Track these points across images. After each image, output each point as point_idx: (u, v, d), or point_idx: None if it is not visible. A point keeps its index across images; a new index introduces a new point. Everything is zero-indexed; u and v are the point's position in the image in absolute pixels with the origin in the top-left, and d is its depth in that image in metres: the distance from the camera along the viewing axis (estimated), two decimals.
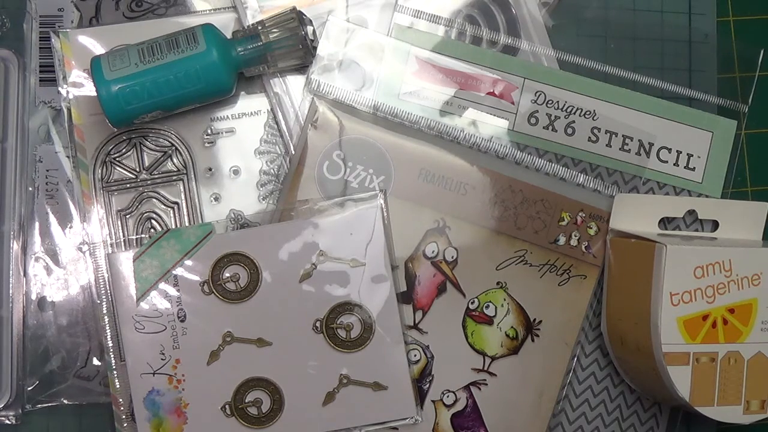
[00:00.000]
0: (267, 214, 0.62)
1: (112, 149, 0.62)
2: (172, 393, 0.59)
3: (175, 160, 0.62)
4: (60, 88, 0.62)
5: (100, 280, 0.60)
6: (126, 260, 0.59)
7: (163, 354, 0.59)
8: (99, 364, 0.62)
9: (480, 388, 0.62)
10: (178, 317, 0.59)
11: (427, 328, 0.62)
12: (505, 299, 0.62)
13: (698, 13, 0.68)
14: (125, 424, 0.60)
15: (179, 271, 0.60)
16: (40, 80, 0.63)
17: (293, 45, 0.60)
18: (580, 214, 0.63)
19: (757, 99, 0.66)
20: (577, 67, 0.64)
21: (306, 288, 0.60)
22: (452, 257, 0.62)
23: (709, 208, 0.63)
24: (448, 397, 0.62)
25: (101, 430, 0.62)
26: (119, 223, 0.62)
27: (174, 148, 0.62)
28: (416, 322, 0.62)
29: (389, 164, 0.62)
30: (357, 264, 0.60)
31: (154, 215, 0.62)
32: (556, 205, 0.63)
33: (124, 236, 0.61)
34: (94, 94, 0.58)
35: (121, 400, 0.60)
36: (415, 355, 0.62)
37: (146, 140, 0.62)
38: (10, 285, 0.62)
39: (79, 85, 0.62)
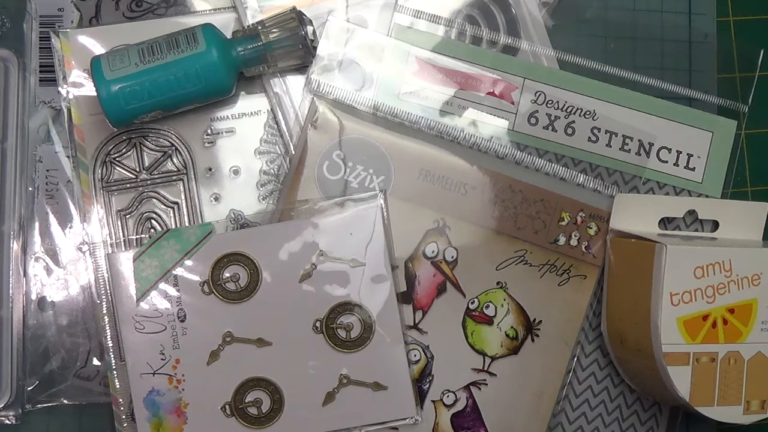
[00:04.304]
0: (267, 214, 0.62)
1: (112, 149, 0.62)
2: (172, 393, 0.59)
3: (175, 160, 0.62)
4: (60, 88, 0.62)
5: (100, 280, 0.60)
6: (126, 260, 0.59)
7: (163, 354, 0.59)
8: (99, 364, 0.62)
9: (480, 388, 0.62)
10: (178, 317, 0.59)
11: (427, 328, 0.62)
12: (505, 299, 0.62)
13: (698, 13, 0.68)
14: (125, 424, 0.60)
15: (179, 271, 0.60)
16: (40, 80, 0.63)
17: (293, 45, 0.60)
18: (580, 214, 0.63)
19: (757, 99, 0.66)
20: (577, 67, 0.64)
21: (306, 288, 0.60)
22: (452, 257, 0.62)
23: (709, 208, 0.63)
24: (448, 397, 0.62)
25: (101, 430, 0.62)
26: (119, 223, 0.62)
27: (174, 148, 0.62)
28: (416, 322, 0.62)
29: (389, 164, 0.62)
30: (357, 264, 0.60)
31: (154, 215, 0.62)
32: (556, 205, 0.63)
33: (124, 236, 0.61)
34: (94, 94, 0.58)
35: (121, 400, 0.60)
36: (415, 355, 0.62)
37: (146, 140, 0.62)
38: (10, 285, 0.62)
39: (79, 85, 0.62)
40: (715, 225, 0.64)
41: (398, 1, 0.63)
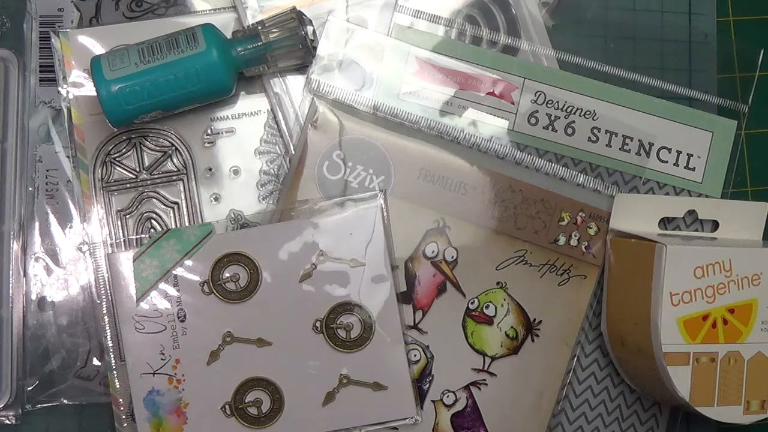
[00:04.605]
0: (267, 214, 0.62)
1: (112, 149, 0.62)
2: (172, 393, 0.59)
3: (175, 160, 0.62)
4: (60, 88, 0.62)
5: (100, 280, 0.60)
6: (126, 260, 0.59)
7: (163, 354, 0.59)
8: (99, 364, 0.62)
9: (480, 388, 0.62)
10: (178, 317, 0.59)
11: (427, 328, 0.62)
12: (505, 299, 0.62)
13: (698, 13, 0.68)
14: (125, 424, 0.60)
15: (179, 271, 0.60)
16: (40, 80, 0.63)
17: (293, 45, 0.60)
18: (580, 214, 0.63)
19: (757, 99, 0.66)
20: (577, 67, 0.64)
21: (306, 288, 0.60)
22: (452, 257, 0.62)
23: (709, 208, 0.63)
24: (448, 397, 0.62)
25: (101, 430, 0.62)
26: (119, 223, 0.62)
27: (174, 148, 0.62)
28: (416, 322, 0.62)
29: (389, 164, 0.62)
30: (357, 264, 0.60)
31: (154, 215, 0.62)
32: (556, 205, 0.63)
33: (124, 236, 0.61)
34: (94, 94, 0.58)
35: (121, 400, 0.60)
36: (415, 355, 0.62)
37: (146, 140, 0.62)
38: (10, 285, 0.62)
39: (79, 85, 0.62)
40: (715, 225, 0.64)
41: (398, 1, 0.63)
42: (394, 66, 0.62)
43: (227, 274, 0.60)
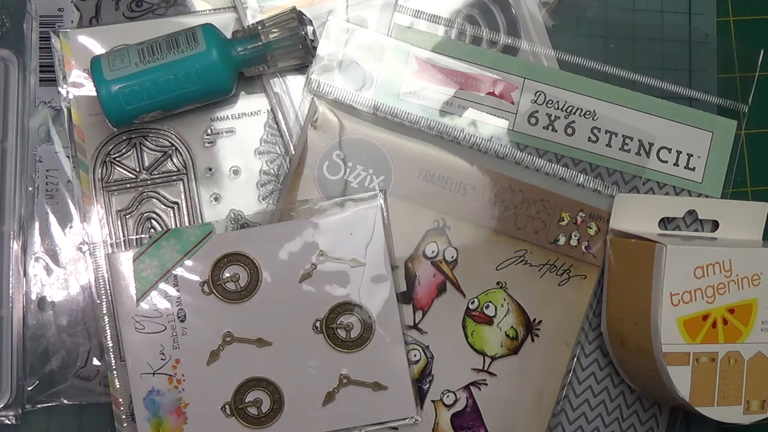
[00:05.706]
0: (267, 214, 0.62)
1: (112, 149, 0.62)
2: (172, 393, 0.59)
3: (175, 160, 0.62)
4: (60, 88, 0.62)
5: (100, 280, 0.60)
6: (126, 260, 0.59)
7: (163, 354, 0.59)
8: (99, 364, 0.62)
9: (480, 388, 0.62)
10: (178, 317, 0.59)
11: (427, 328, 0.62)
12: (505, 299, 0.62)
13: (698, 13, 0.68)
14: (125, 424, 0.60)
15: (179, 271, 0.60)
16: (40, 80, 0.63)
17: (293, 45, 0.60)
18: (580, 214, 0.63)
19: (757, 99, 0.66)
20: (577, 67, 0.64)
21: (306, 288, 0.60)
22: (452, 257, 0.62)
23: (709, 208, 0.63)
24: (448, 397, 0.62)
25: (101, 430, 0.62)
26: (119, 223, 0.62)
27: (174, 148, 0.62)
28: (416, 322, 0.62)
29: (389, 164, 0.62)
30: (357, 264, 0.60)
31: (154, 215, 0.62)
32: (556, 205, 0.63)
33: (124, 236, 0.61)
34: (94, 94, 0.58)
35: (121, 400, 0.60)
36: (415, 355, 0.62)
37: (146, 140, 0.62)
38: (10, 285, 0.62)
39: (79, 85, 0.62)
40: (715, 225, 0.64)
41: (398, 1, 0.63)
42: (394, 66, 0.62)
43: (227, 274, 0.60)
